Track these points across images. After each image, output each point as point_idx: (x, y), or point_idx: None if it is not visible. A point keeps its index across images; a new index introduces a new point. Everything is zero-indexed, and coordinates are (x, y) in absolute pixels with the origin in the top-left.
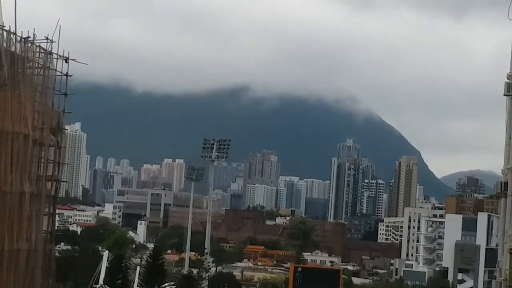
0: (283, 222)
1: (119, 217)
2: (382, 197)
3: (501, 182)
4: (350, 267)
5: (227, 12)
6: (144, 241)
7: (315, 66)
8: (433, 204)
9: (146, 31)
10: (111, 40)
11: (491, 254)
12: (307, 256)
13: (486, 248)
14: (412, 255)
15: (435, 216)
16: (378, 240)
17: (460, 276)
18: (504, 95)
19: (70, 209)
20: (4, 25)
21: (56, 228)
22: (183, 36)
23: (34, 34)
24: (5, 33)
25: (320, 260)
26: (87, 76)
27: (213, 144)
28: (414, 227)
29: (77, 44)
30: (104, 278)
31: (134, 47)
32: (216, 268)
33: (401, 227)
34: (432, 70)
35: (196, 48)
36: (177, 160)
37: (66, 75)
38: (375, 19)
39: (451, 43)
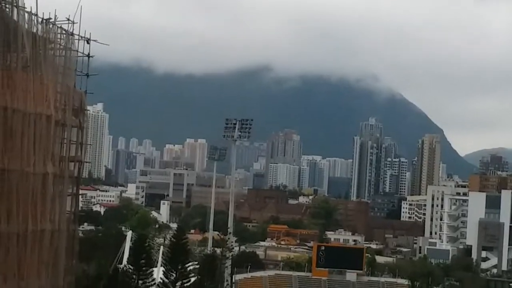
0: (306, 201)
1: (142, 197)
2: (405, 176)
3: None
4: (373, 246)
5: None
6: (167, 221)
7: (336, 45)
8: (457, 182)
9: (166, 12)
10: (132, 21)
11: None
12: (330, 235)
13: (510, 226)
14: (435, 233)
15: (458, 194)
16: (402, 219)
17: (484, 254)
18: None
19: (93, 190)
20: (26, 6)
21: (79, 208)
22: (204, 16)
23: (55, 16)
24: (26, 14)
25: (343, 239)
26: (108, 57)
27: (235, 124)
28: (437, 205)
29: (98, 25)
30: (127, 258)
31: (155, 27)
32: (240, 248)
33: (425, 205)
34: (454, 48)
35: (216, 28)
36: (199, 140)
37: (88, 56)
38: None
39: (473, 20)
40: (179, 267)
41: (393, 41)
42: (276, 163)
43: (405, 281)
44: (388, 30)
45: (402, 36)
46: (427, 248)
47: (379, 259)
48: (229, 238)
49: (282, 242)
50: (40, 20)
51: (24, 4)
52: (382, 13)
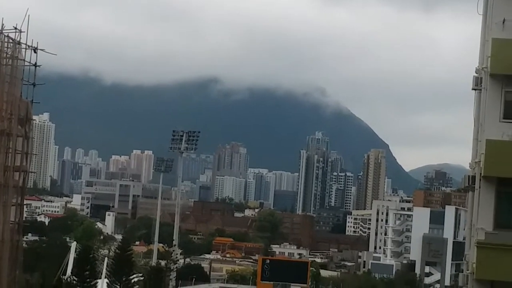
0: (252, 214)
1: (87, 208)
2: (351, 190)
3: (469, 176)
4: (318, 260)
5: (198, 4)
6: (112, 233)
7: (284, 59)
8: (401, 197)
9: (116, 22)
10: (81, 30)
11: (459, 248)
12: (276, 248)
13: (453, 241)
14: (380, 248)
15: (403, 209)
16: (346, 233)
17: (427, 269)
18: (472, 89)
19: (38, 200)
20: None
21: (23, 219)
22: (153, 27)
23: (2, 24)
24: None
25: (288, 253)
26: (56, 66)
27: (182, 136)
28: (382, 220)
29: (46, 34)
30: (72, 269)
31: (104, 37)
32: (185, 260)
33: (369, 220)
34: (401, 63)
35: (166, 40)
36: (145, 152)
37: (35, 65)
38: (345, 12)
39: (420, 37)
40: (124, 278)
41: (342, 56)
42: (223, 176)
43: None
44: (338, 45)
45: (351, 52)
46: (371, 263)
47: (324, 273)
48: (174, 250)
49: (227, 255)
50: None
51: None
52: (332, 29)
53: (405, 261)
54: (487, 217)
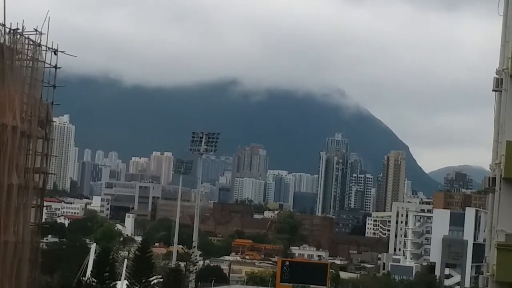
0: (271, 216)
1: (107, 209)
2: (370, 192)
3: (489, 177)
4: (337, 262)
5: (217, 6)
6: (132, 234)
7: (303, 60)
8: (421, 199)
9: (136, 24)
10: (101, 32)
11: (479, 249)
12: (295, 250)
13: (473, 243)
14: (399, 249)
15: (423, 211)
16: (366, 235)
17: (447, 271)
18: (493, 90)
19: (58, 202)
20: None
21: (43, 220)
22: (173, 29)
23: (23, 26)
24: None
25: (307, 254)
26: (76, 68)
27: (202, 138)
28: (402, 222)
29: (67, 36)
30: (91, 271)
31: (124, 39)
32: (204, 262)
33: (389, 221)
34: (422, 65)
35: (186, 42)
36: (165, 153)
37: (55, 67)
38: (365, 13)
39: (442, 38)
40: (143, 280)
41: (362, 57)
42: (242, 178)
43: None
44: (358, 46)
45: (371, 53)
46: (391, 265)
47: (343, 275)
48: (193, 252)
49: (247, 257)
50: (7, 30)
51: None
52: (352, 29)
53: (425, 263)
54: (507, 219)
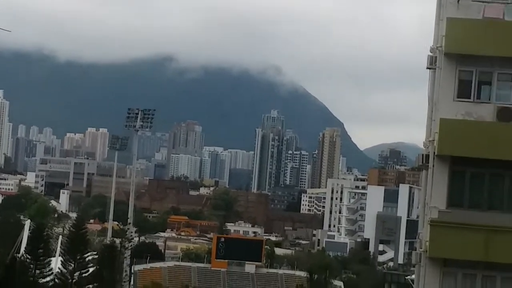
0: (207, 193)
1: (42, 186)
2: (306, 168)
3: (423, 155)
4: (272, 238)
5: None
6: (66, 211)
7: (239, 37)
8: (356, 175)
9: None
10: (35, 7)
11: (412, 226)
12: (230, 226)
13: (407, 220)
14: (334, 226)
15: (357, 187)
16: (301, 211)
17: (381, 247)
18: (427, 68)
19: None
20: None
21: None
22: (108, 5)
23: None
24: None
25: (243, 231)
26: (10, 43)
27: (137, 114)
28: (336, 199)
29: (0, 12)
30: (25, 248)
31: (57, 15)
32: (139, 238)
33: (324, 198)
34: (358, 42)
35: (121, 18)
36: (100, 129)
37: None
38: None
39: (378, 15)
40: (78, 257)
41: (298, 34)
42: (178, 154)
43: (303, 273)
44: (293, 23)
45: (307, 30)
46: (326, 241)
47: (278, 251)
48: (128, 229)
49: (182, 233)
50: None
51: None
52: (288, 7)
53: (359, 240)
54: (440, 196)
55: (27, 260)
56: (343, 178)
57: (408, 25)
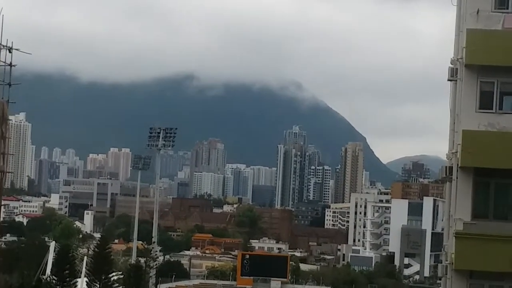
0: (230, 210)
1: (66, 207)
2: (329, 183)
3: (446, 167)
4: (297, 254)
5: (173, 0)
6: (91, 231)
7: (259, 54)
8: (379, 189)
9: (91, 20)
10: (56, 28)
11: (437, 238)
12: (255, 243)
13: (432, 233)
14: (359, 240)
15: (381, 201)
16: (325, 226)
17: (406, 260)
18: (448, 80)
19: (15, 200)
20: None
21: (1, 219)
22: (129, 25)
23: None
24: None
25: (267, 247)
26: (31, 65)
27: (159, 133)
28: (360, 213)
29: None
30: (51, 269)
31: (79, 36)
32: (164, 257)
33: (348, 213)
34: (379, 56)
35: (141, 37)
36: (123, 149)
37: (10, 65)
38: (321, 6)
39: (397, 28)
40: (103, 277)
41: (318, 50)
42: (201, 172)
43: None
44: (314, 39)
45: (327, 46)
46: (351, 256)
47: (303, 267)
48: (153, 248)
49: (207, 251)
50: None
51: None
52: (308, 23)
53: (384, 253)
54: (465, 208)
55: (53, 281)
56: (367, 192)
57: (428, 38)
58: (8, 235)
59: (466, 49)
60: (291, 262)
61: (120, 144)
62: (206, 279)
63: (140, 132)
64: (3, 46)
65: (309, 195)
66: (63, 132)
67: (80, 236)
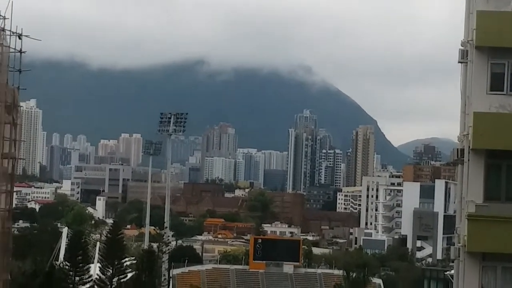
0: (242, 195)
1: (78, 193)
2: (340, 167)
3: (457, 149)
4: (309, 238)
5: None
6: (103, 217)
7: (268, 38)
8: (391, 172)
9: (99, 6)
10: (64, 15)
11: (449, 221)
12: (267, 227)
13: (444, 215)
14: (371, 223)
15: (393, 184)
16: (337, 210)
17: (419, 243)
18: (459, 62)
19: (27, 187)
20: None
21: (14, 206)
22: (138, 10)
23: None
24: None
25: (279, 231)
26: (41, 52)
27: (170, 118)
28: (372, 196)
29: (30, 20)
30: (64, 255)
31: (89, 22)
32: (176, 242)
33: (360, 196)
34: (388, 39)
35: (150, 23)
36: (134, 135)
37: (20, 51)
38: None
39: (408, 11)
40: (116, 262)
41: (327, 33)
42: (212, 157)
43: (341, 272)
44: (323, 23)
45: (336, 29)
46: (363, 239)
47: (316, 250)
48: (165, 233)
49: (219, 236)
50: None
51: None
52: (317, 7)
53: (396, 236)
54: (477, 190)
55: (66, 267)
56: (378, 176)
57: (438, 20)
58: (20, 221)
59: (476, 31)
60: (303, 246)
61: (131, 129)
62: (219, 263)
63: (150, 118)
64: (13, 32)
65: (321, 179)
66: (74, 118)
67: (92, 222)
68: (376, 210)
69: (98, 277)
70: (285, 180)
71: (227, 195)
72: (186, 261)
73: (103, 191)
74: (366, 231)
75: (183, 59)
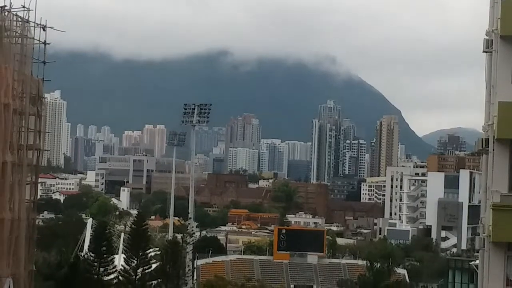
0: (266, 185)
1: (102, 184)
2: (364, 157)
3: (482, 139)
4: (334, 228)
5: None
6: (127, 208)
7: (292, 29)
8: (415, 162)
9: None
10: (88, 6)
11: (474, 211)
12: (291, 218)
13: (468, 205)
14: (395, 214)
15: (417, 174)
16: (361, 200)
17: (443, 233)
18: (484, 51)
19: (52, 178)
20: None
21: (39, 197)
22: (162, 1)
23: (10, 3)
24: None
25: (304, 222)
26: (65, 44)
27: (194, 109)
28: (396, 186)
29: (54, 12)
30: (88, 246)
31: (113, 12)
32: (201, 233)
33: (384, 186)
34: (412, 28)
35: (174, 14)
36: (158, 126)
37: (44, 43)
38: None
39: (432, 2)
40: (140, 253)
41: (351, 23)
42: (236, 148)
43: (365, 262)
44: (346, 13)
45: (360, 19)
46: (387, 229)
47: (340, 241)
48: (189, 224)
49: (243, 226)
50: None
51: None
52: None
53: (421, 227)
54: (501, 180)
55: (91, 258)
56: (403, 166)
57: (463, 9)
58: (45, 212)
59: (501, 20)
60: (327, 237)
61: (155, 120)
62: (243, 254)
63: (174, 109)
64: (37, 24)
65: (345, 169)
66: (98, 110)
67: (117, 212)
68: (401, 200)
69: (122, 267)
70: (309, 171)
71: (251, 185)
72: (210, 251)
73: (127, 182)
74: (390, 221)
75: (207, 50)
